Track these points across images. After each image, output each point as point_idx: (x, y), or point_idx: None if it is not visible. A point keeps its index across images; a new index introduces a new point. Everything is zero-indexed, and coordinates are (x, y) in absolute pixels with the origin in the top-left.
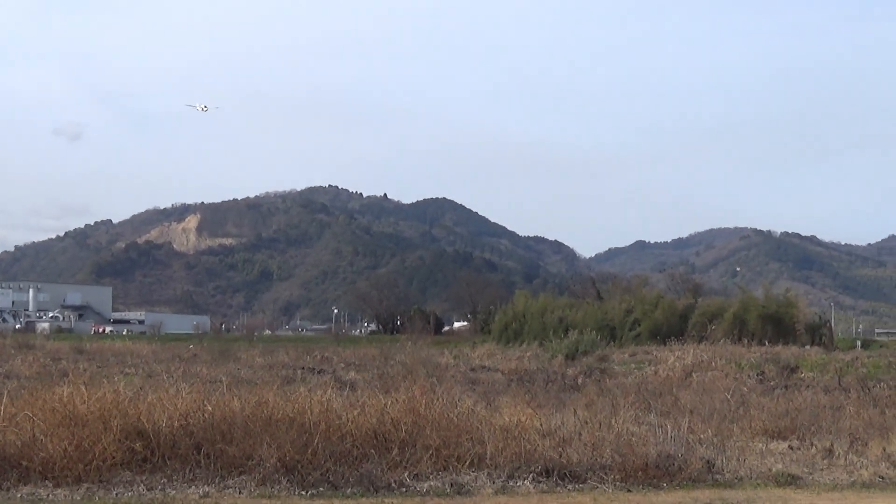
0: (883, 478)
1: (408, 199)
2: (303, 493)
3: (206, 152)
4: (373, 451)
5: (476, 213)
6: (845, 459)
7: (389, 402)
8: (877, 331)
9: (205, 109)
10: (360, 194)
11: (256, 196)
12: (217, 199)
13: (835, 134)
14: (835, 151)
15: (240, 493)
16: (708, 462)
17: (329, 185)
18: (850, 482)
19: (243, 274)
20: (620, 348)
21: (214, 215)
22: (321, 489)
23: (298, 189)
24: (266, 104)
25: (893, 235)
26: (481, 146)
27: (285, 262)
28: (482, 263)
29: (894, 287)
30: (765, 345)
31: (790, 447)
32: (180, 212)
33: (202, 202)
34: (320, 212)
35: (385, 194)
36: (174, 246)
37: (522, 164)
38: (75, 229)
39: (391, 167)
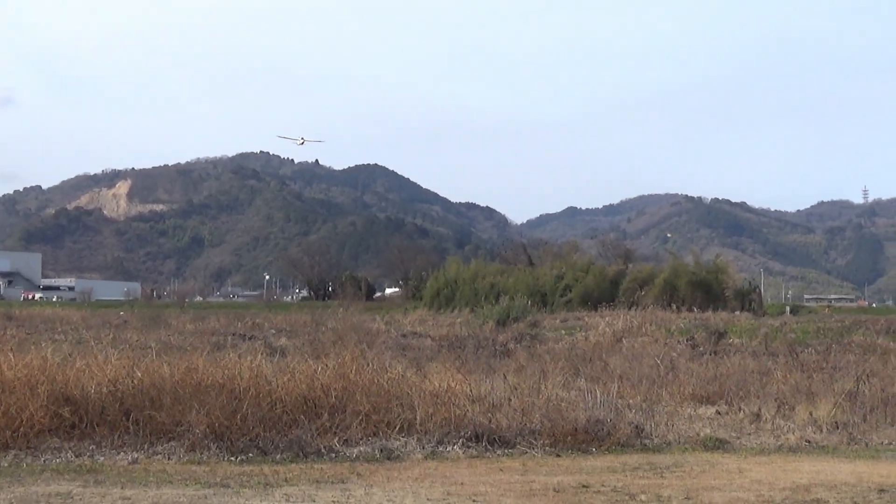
0: (809, 442)
1: (339, 165)
2: (232, 458)
3: (137, 118)
4: (302, 416)
5: (408, 179)
6: (772, 424)
7: (319, 368)
8: (806, 296)
9: (301, 142)
10: (292, 160)
11: (187, 162)
12: (148, 165)
13: (766, 101)
14: (765, 118)
15: (169, 459)
16: (637, 427)
17: (260, 151)
18: (777, 446)
19: (174, 240)
20: (551, 314)
21: (145, 181)
22: (250, 455)
23: (229, 155)
24: (196, 69)
25: (823, 202)
26: (413, 112)
27: (216, 228)
28: (414, 230)
29: (823, 253)
30: (694, 310)
31: (718, 412)
32: (110, 178)
33: (132, 168)
34: (251, 178)
35: (317, 160)
36: (104, 212)
37: (454, 130)
38: (4, 195)
39: (323, 133)
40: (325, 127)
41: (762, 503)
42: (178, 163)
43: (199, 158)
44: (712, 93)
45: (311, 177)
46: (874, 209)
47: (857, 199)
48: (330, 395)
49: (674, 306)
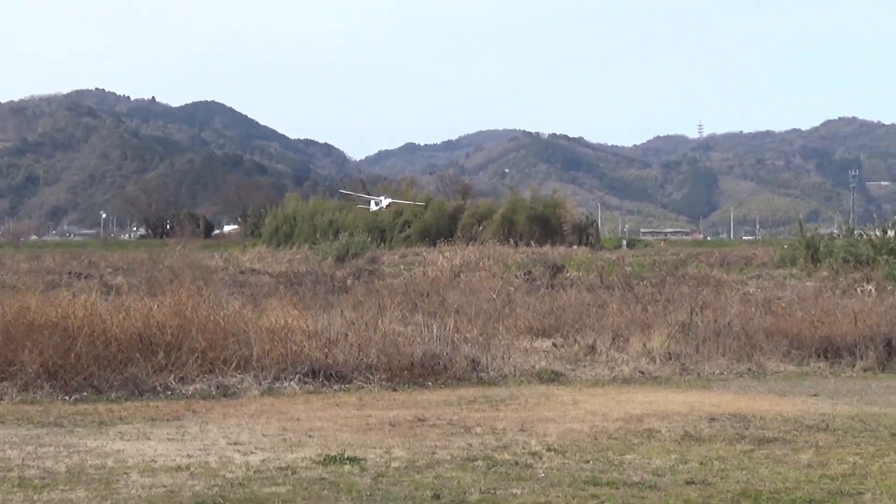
0: (643, 373)
1: (176, 102)
2: (66, 397)
3: None
4: (138, 354)
5: (246, 116)
6: (607, 356)
7: (155, 306)
8: (642, 230)
9: (386, 205)
10: (128, 97)
11: (21, 99)
12: None
13: (602, 36)
14: (602, 53)
15: (1, 399)
16: (473, 360)
17: (96, 88)
18: (612, 378)
19: (8, 179)
20: (390, 250)
21: None
22: (85, 393)
23: (64, 92)
24: (29, 2)
25: (659, 136)
26: (251, 48)
27: (52, 166)
28: (252, 167)
29: (659, 187)
30: (532, 245)
31: (554, 345)
32: None
33: None
34: (87, 115)
35: (153, 97)
36: None
37: (292, 66)
38: None
39: (159, 70)
40: (161, 63)
41: (596, 434)
42: (11, 100)
43: (32, 96)
44: (550, 28)
45: (148, 114)
46: (709, 144)
47: (693, 134)
48: (166, 333)
49: (512, 241)
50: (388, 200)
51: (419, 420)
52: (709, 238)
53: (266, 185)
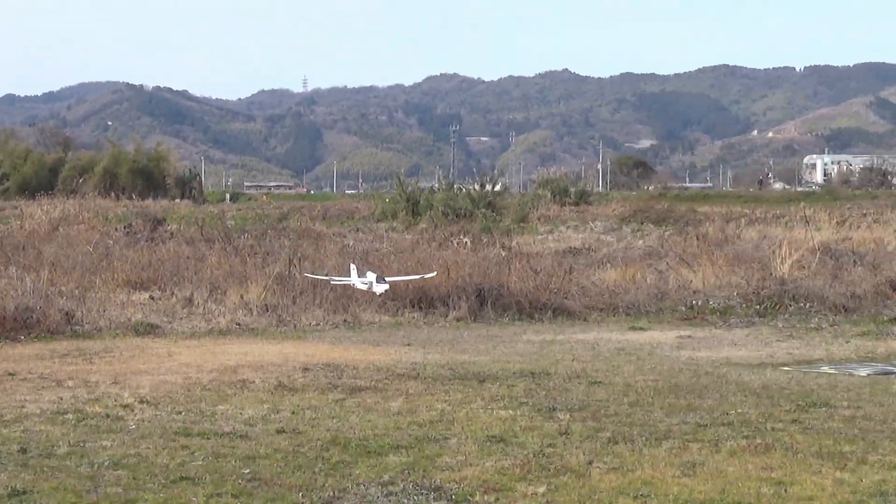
0: (240, 325)
1: None
2: None
3: None
4: None
5: None
6: (204, 308)
7: None
8: (246, 184)
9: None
10: None
11: None
12: None
13: None
14: (207, 7)
15: None
16: (67, 314)
17: None
18: (208, 330)
19: None
20: None
21: None
22: None
23: None
24: None
25: (263, 90)
26: None
27: None
28: None
29: (263, 141)
30: (135, 198)
31: (151, 297)
32: None
33: None
34: None
35: None
36: None
37: None
38: None
39: None
40: None
41: (189, 385)
42: None
43: None
44: None
45: None
46: (313, 98)
47: (297, 89)
48: None
49: (114, 194)
50: (385, 287)
51: (9, 374)
52: (312, 192)
53: None
